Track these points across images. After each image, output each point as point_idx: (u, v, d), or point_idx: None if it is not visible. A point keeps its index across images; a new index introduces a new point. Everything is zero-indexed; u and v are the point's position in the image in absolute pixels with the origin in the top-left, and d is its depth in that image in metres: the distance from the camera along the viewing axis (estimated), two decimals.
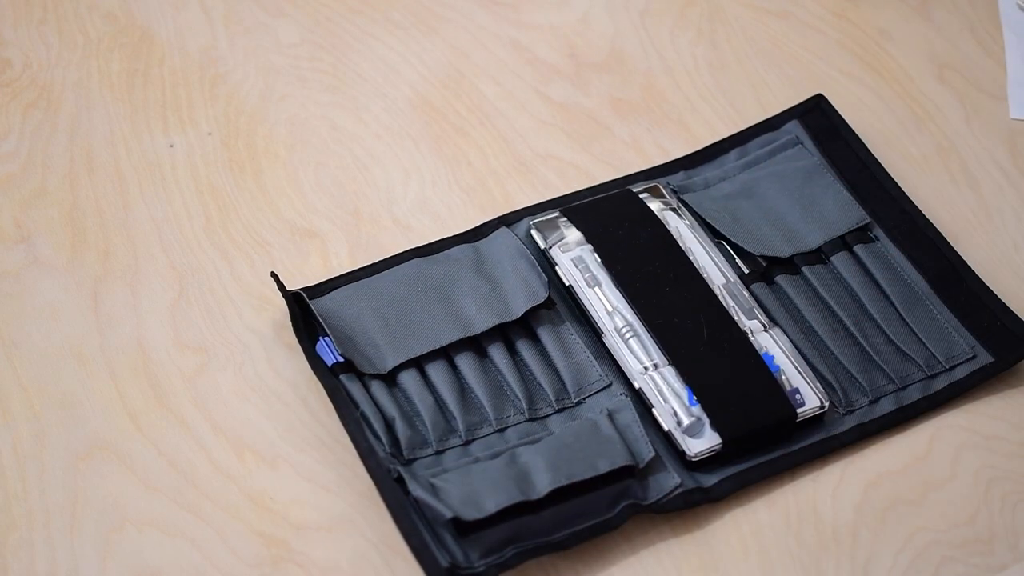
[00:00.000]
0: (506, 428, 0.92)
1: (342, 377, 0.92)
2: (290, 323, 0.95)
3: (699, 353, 0.93)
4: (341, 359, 0.92)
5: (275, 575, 0.86)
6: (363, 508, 0.88)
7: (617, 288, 0.97)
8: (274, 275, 0.95)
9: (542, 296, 0.96)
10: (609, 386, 0.94)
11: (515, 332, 0.96)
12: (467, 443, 0.91)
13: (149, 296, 0.99)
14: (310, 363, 0.93)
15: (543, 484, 0.86)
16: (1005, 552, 0.89)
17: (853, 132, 1.07)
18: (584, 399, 0.93)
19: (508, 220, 1.02)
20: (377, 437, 0.89)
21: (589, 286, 0.97)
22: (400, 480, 0.87)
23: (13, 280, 0.99)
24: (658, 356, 0.93)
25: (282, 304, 0.96)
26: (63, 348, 0.96)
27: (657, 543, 0.88)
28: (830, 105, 1.09)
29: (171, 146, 1.08)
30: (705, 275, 0.97)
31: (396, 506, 0.86)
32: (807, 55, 1.16)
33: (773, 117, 1.09)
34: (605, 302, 0.96)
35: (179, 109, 1.10)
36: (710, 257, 0.99)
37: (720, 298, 0.96)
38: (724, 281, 0.98)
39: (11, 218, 1.03)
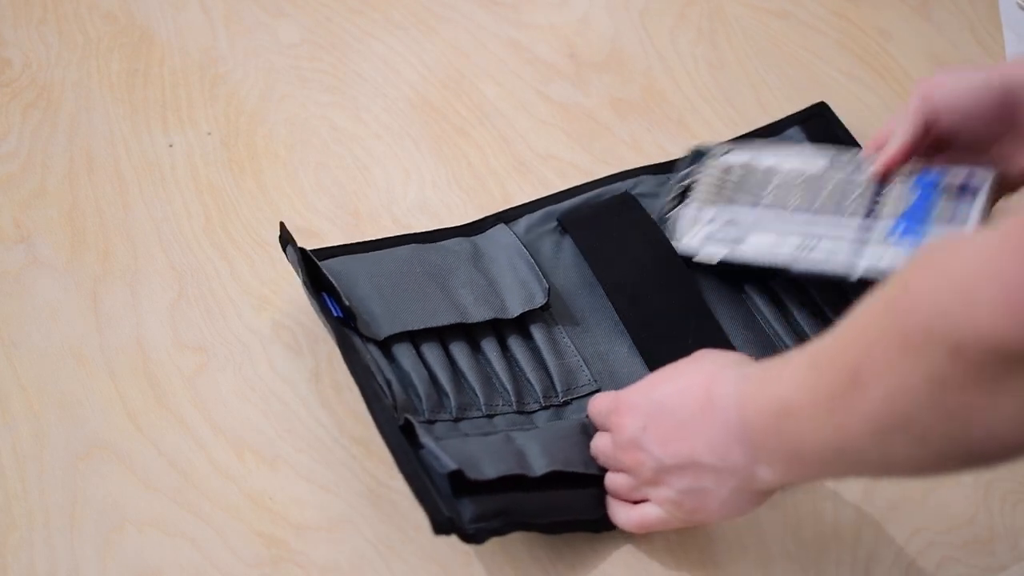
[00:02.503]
0: (495, 415, 0.92)
1: (346, 331, 0.91)
2: (290, 323, 0.95)
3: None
4: (344, 315, 0.91)
5: (275, 575, 0.86)
6: (363, 508, 0.88)
7: (607, 297, 0.97)
8: (282, 224, 0.94)
9: (540, 301, 0.96)
10: (597, 391, 0.94)
11: (508, 329, 0.96)
12: (457, 420, 0.90)
13: (149, 296, 0.99)
14: (320, 311, 0.91)
15: (540, 465, 0.86)
16: (1005, 552, 0.89)
17: (854, 140, 1.07)
18: (571, 400, 0.94)
19: (506, 217, 1.02)
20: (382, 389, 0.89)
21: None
22: (405, 429, 0.86)
23: (13, 280, 0.99)
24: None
25: (282, 304, 0.97)
26: (63, 348, 0.96)
27: (657, 542, 0.88)
28: (832, 112, 1.09)
29: (171, 146, 1.08)
30: (805, 178, 0.98)
31: (400, 451, 0.84)
32: (807, 55, 1.16)
33: (775, 123, 1.09)
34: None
35: (179, 109, 1.10)
36: (790, 157, 0.99)
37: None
38: (825, 166, 0.98)
39: (11, 218, 1.03)
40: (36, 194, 1.04)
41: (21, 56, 1.13)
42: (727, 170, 1.00)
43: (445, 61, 1.15)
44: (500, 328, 0.96)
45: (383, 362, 0.91)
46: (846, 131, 1.08)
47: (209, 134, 1.09)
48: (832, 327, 0.73)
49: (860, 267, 0.93)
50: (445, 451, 0.84)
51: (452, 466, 0.83)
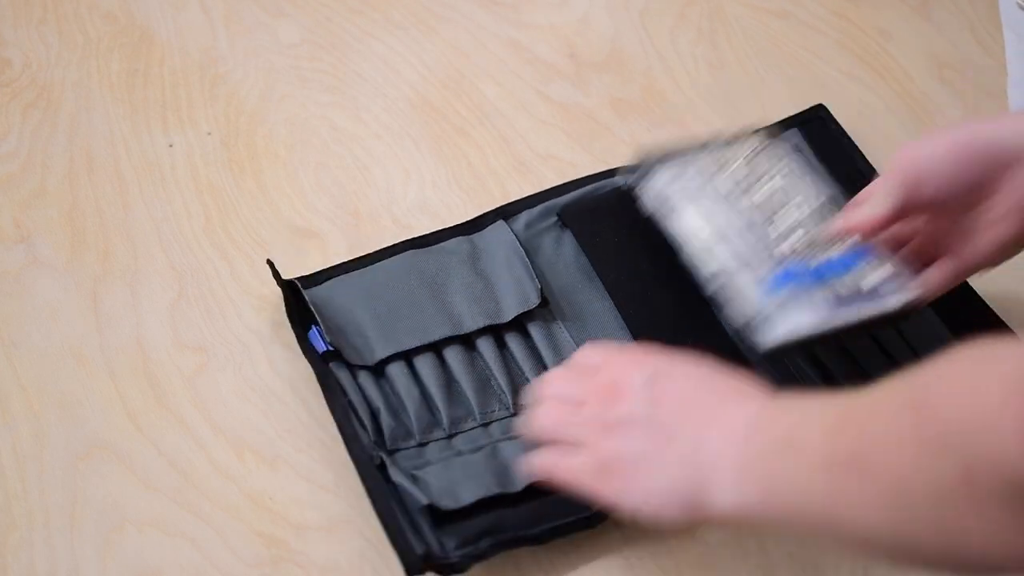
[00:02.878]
0: (490, 423, 0.92)
1: (331, 365, 0.92)
2: (289, 323, 0.95)
3: None
4: (331, 348, 0.92)
5: (275, 575, 0.86)
6: (363, 508, 0.88)
7: (608, 293, 0.97)
8: (270, 262, 0.96)
9: (534, 301, 0.96)
10: None
11: (505, 328, 0.96)
12: (450, 436, 0.91)
13: (149, 296, 0.99)
14: (302, 348, 0.93)
15: (522, 477, 0.86)
16: None
17: (853, 142, 1.07)
18: None
19: (506, 213, 1.02)
20: (363, 426, 0.90)
21: (673, 212, 0.95)
22: (382, 467, 0.87)
23: (13, 280, 0.99)
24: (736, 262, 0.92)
25: (282, 304, 0.96)
26: (63, 348, 0.96)
27: (656, 543, 0.88)
28: (830, 115, 1.09)
29: (171, 146, 1.08)
30: (793, 204, 0.96)
31: (376, 492, 0.86)
32: (807, 55, 1.16)
33: (773, 124, 1.09)
34: (690, 223, 0.95)
35: (179, 109, 1.10)
36: (800, 188, 0.96)
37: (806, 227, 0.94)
38: (812, 208, 0.95)
39: (11, 218, 1.03)
40: (36, 194, 1.04)
41: (21, 56, 1.13)
42: (728, 163, 0.99)
43: (445, 61, 1.15)
44: (498, 328, 0.96)
45: (373, 390, 0.92)
46: (844, 134, 1.08)
47: (209, 134, 1.09)
48: (863, 386, 0.71)
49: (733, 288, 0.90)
50: (426, 478, 0.86)
51: (424, 501, 0.84)
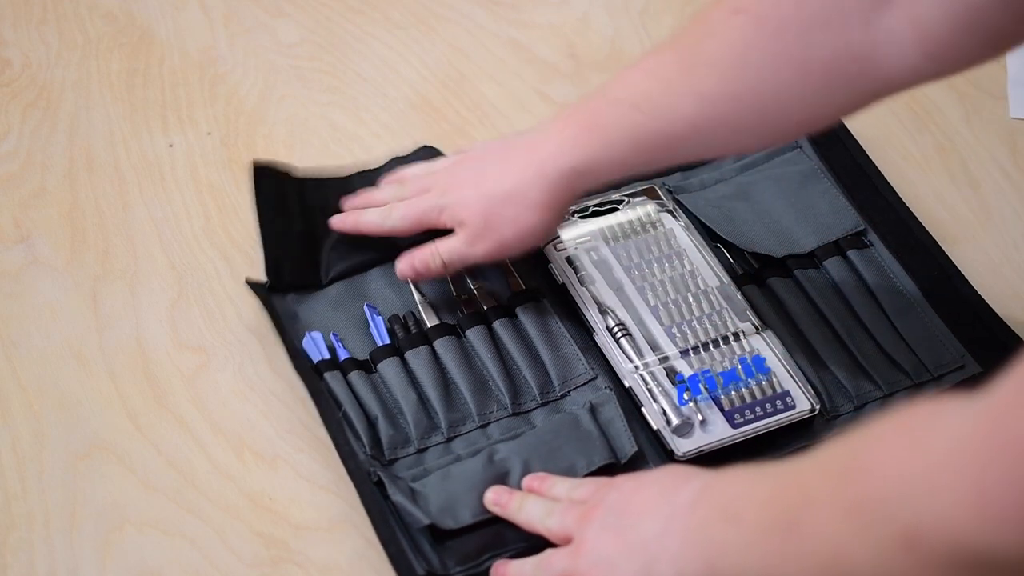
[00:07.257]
0: (488, 424, 0.92)
1: (327, 375, 0.92)
2: (288, 323, 0.95)
3: None
4: (327, 356, 0.92)
5: (274, 575, 0.86)
6: (362, 508, 0.88)
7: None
8: (248, 281, 0.97)
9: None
10: (594, 379, 0.94)
11: (501, 323, 0.96)
12: (449, 440, 0.91)
13: (148, 296, 0.99)
14: (293, 362, 0.93)
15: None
16: None
17: (852, 137, 1.07)
18: (568, 392, 0.94)
19: None
20: (358, 438, 0.90)
21: (582, 284, 0.97)
22: (380, 483, 0.87)
23: (13, 280, 0.99)
24: (649, 355, 0.94)
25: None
26: (63, 348, 0.96)
27: None
28: None
29: (170, 146, 1.08)
30: (699, 277, 0.97)
31: (375, 511, 0.86)
32: None
33: None
34: (599, 299, 0.96)
35: (179, 109, 1.10)
36: (704, 259, 0.99)
37: (713, 300, 0.96)
38: (717, 283, 0.97)
39: (11, 218, 1.03)
40: (36, 194, 1.04)
41: (21, 56, 1.13)
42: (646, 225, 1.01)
43: (445, 61, 1.15)
44: (493, 324, 0.96)
45: (370, 397, 0.92)
46: (844, 128, 1.07)
47: (209, 134, 1.09)
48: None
49: (627, 382, 0.93)
50: (425, 492, 0.86)
51: (424, 521, 0.84)
